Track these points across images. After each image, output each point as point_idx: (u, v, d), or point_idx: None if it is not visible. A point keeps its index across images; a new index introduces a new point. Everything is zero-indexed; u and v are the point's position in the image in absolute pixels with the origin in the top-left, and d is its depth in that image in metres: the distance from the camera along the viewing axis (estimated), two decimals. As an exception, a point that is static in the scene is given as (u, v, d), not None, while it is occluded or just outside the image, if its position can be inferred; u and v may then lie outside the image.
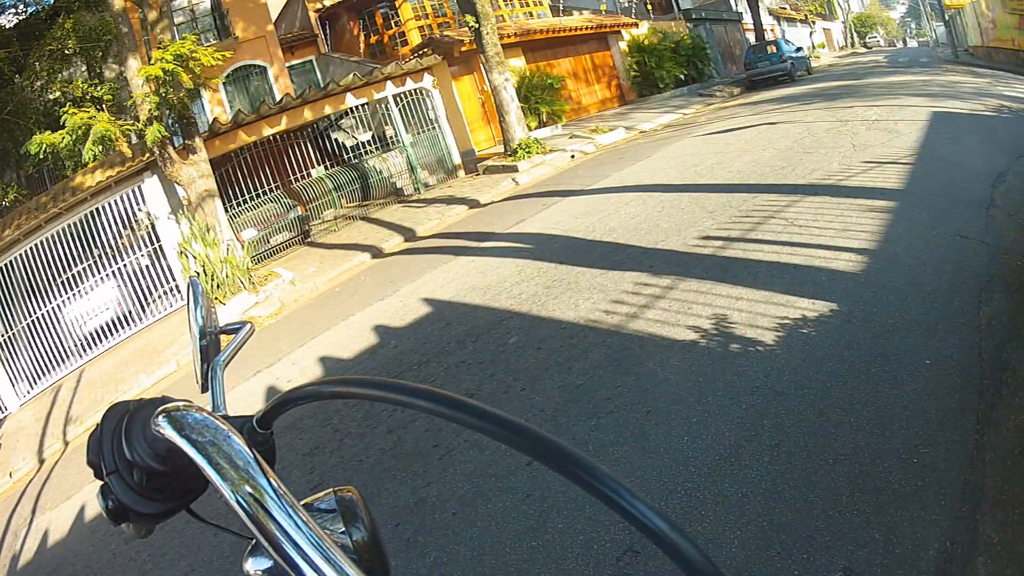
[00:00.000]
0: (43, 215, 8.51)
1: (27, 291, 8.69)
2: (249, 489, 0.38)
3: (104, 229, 8.85)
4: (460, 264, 6.23)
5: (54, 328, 8.60)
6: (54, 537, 3.91)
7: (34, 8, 12.69)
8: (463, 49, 13.52)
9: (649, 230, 5.37)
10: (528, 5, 18.22)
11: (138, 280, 8.93)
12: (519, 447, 0.36)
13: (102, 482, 0.48)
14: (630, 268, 4.59)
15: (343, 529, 0.48)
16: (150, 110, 7.64)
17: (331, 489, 0.52)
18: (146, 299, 9.02)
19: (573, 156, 11.20)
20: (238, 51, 13.51)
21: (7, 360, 8.40)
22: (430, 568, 2.26)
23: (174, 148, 8.32)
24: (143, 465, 0.47)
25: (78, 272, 8.86)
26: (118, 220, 8.95)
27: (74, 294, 8.75)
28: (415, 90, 11.84)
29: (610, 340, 3.56)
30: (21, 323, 8.62)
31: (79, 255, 8.76)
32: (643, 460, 2.46)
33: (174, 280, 9.01)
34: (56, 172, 11.57)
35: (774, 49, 17.99)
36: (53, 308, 8.65)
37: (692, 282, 3.99)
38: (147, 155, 8.60)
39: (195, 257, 7.84)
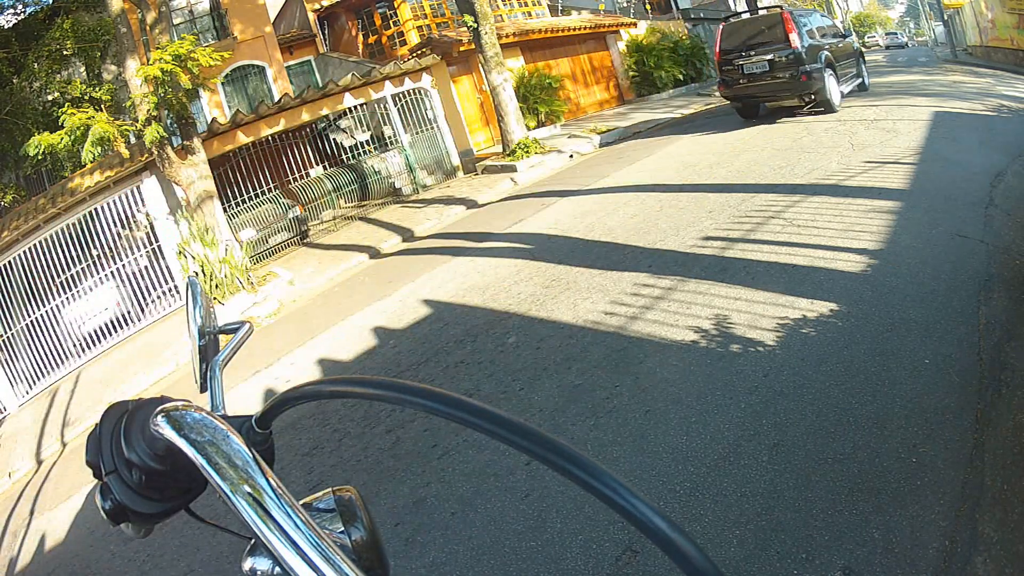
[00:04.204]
0: (41, 216, 8.50)
1: (26, 292, 8.68)
2: (248, 489, 0.38)
3: (103, 230, 8.84)
4: (458, 264, 6.23)
5: (53, 329, 8.59)
6: (53, 538, 3.90)
7: (33, 8, 12.68)
8: (462, 49, 13.51)
9: (648, 230, 5.37)
10: (527, 5, 18.22)
11: (137, 281, 8.92)
12: (518, 446, 0.36)
13: (101, 482, 0.48)
14: (629, 268, 4.59)
15: (342, 529, 0.48)
16: (149, 110, 7.63)
17: (330, 489, 0.52)
18: (145, 300, 9.01)
19: (572, 156, 11.20)
20: (236, 51, 13.50)
21: (6, 361, 8.39)
22: (429, 568, 2.25)
23: (173, 148, 8.31)
24: (142, 465, 0.47)
25: (77, 273, 8.84)
26: (117, 221, 8.94)
27: (73, 295, 8.74)
28: (414, 90, 11.84)
29: (609, 340, 3.56)
30: (20, 324, 8.61)
31: (78, 256, 8.75)
32: (642, 459, 2.46)
33: (173, 280, 9.00)
34: (55, 173, 11.57)
35: (772, 49, 17.81)
36: (52, 309, 8.63)
37: (691, 282, 3.99)
38: (146, 156, 8.59)
39: (194, 257, 7.83)
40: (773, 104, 9.76)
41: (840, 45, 9.91)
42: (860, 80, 10.83)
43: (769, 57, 8.87)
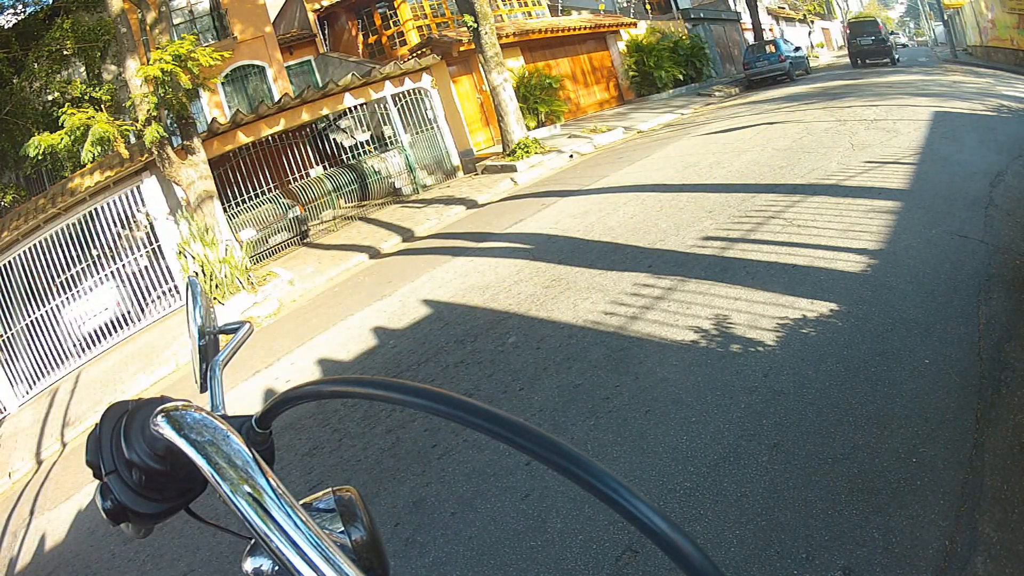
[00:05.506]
0: (41, 216, 8.50)
1: (26, 292, 8.68)
2: (248, 489, 0.38)
3: (103, 230, 8.84)
4: (458, 264, 6.23)
5: (53, 329, 8.59)
6: (53, 538, 3.90)
7: (33, 8, 12.68)
8: (462, 49, 13.52)
9: (648, 230, 5.37)
10: (527, 5, 18.22)
11: (137, 281, 8.92)
12: (518, 446, 0.36)
13: (101, 482, 0.48)
14: (629, 268, 4.59)
15: (342, 529, 0.48)
16: (148, 111, 7.63)
17: (330, 489, 0.52)
18: (145, 300, 9.01)
19: (572, 156, 11.21)
20: (236, 51, 13.49)
21: (6, 361, 8.39)
22: (429, 568, 2.25)
23: (173, 149, 8.31)
24: (142, 465, 0.46)
25: (77, 273, 8.84)
26: (117, 221, 8.94)
27: (73, 295, 8.74)
28: (414, 90, 11.84)
29: (609, 340, 3.56)
30: (20, 324, 8.61)
31: (78, 256, 8.74)
32: (642, 459, 2.46)
33: (173, 280, 9.00)
34: (55, 173, 11.57)
35: (773, 49, 18.01)
36: (52, 309, 8.63)
37: (691, 282, 3.99)
38: (146, 156, 8.59)
39: (194, 257, 7.82)
40: (871, 61, 19.78)
41: (892, 38, 21.85)
42: (898, 57, 21.32)
43: (872, 38, 19.64)
